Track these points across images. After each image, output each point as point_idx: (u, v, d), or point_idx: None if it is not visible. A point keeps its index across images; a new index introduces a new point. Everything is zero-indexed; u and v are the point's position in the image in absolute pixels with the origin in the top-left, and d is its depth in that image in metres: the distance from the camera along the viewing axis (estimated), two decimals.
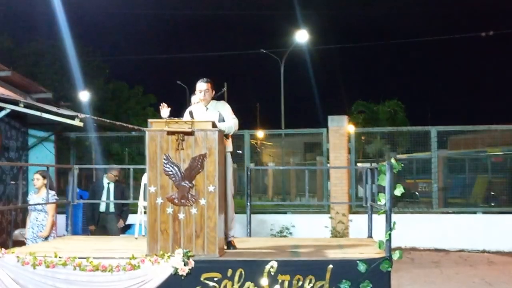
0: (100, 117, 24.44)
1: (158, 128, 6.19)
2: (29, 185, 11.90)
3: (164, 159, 6.15)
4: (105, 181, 10.96)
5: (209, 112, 6.91)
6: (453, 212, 14.38)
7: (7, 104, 10.22)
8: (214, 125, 6.25)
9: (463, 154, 17.32)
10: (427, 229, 13.81)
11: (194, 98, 7.15)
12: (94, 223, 10.92)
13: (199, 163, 6.11)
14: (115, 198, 10.76)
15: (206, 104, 6.96)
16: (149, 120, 6.39)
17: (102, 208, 10.90)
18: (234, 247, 6.84)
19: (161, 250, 6.06)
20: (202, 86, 6.93)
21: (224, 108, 7.01)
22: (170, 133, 6.13)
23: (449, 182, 16.20)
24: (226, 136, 6.90)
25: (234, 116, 7.00)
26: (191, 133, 6.11)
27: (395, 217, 12.78)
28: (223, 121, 6.88)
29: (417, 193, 18.87)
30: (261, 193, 22.79)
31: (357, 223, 13.63)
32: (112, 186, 10.91)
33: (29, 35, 33.00)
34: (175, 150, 6.13)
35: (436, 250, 13.40)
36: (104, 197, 10.78)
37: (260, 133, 20.47)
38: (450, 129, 14.98)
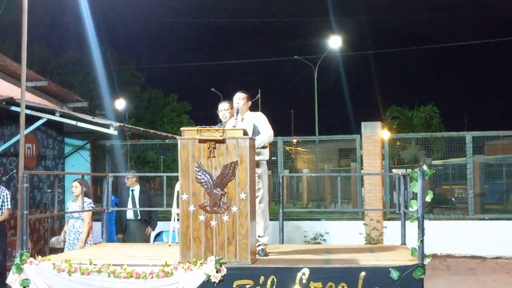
0: (135, 124, 24.79)
1: (190, 136, 6.25)
2: (65, 193, 12.10)
3: (196, 167, 6.20)
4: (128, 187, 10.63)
5: (244, 122, 7.01)
6: (490, 219, 14.18)
7: (44, 114, 10.43)
8: (245, 133, 6.29)
9: (500, 160, 17.10)
10: (463, 236, 13.63)
11: (222, 105, 7.22)
12: (122, 231, 10.57)
13: (231, 170, 6.15)
14: (141, 204, 10.40)
15: (242, 114, 7.06)
16: (181, 128, 6.46)
17: (130, 215, 10.53)
18: (266, 254, 6.87)
19: (194, 257, 6.12)
20: (239, 96, 7.10)
21: (260, 121, 7.10)
22: (201, 141, 6.18)
23: (486, 188, 15.98)
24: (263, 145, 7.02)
25: (268, 127, 7.07)
26: (222, 141, 6.16)
27: (430, 223, 12.67)
28: (258, 133, 6.98)
29: (453, 199, 18.62)
30: (295, 199, 22.79)
31: (392, 230, 13.51)
32: (136, 192, 10.57)
33: (67, 44, 33.50)
34: (207, 157, 6.18)
35: (473, 257, 13.23)
36: (129, 204, 10.47)
37: (294, 140, 20.45)
38: (486, 135, 14.80)
